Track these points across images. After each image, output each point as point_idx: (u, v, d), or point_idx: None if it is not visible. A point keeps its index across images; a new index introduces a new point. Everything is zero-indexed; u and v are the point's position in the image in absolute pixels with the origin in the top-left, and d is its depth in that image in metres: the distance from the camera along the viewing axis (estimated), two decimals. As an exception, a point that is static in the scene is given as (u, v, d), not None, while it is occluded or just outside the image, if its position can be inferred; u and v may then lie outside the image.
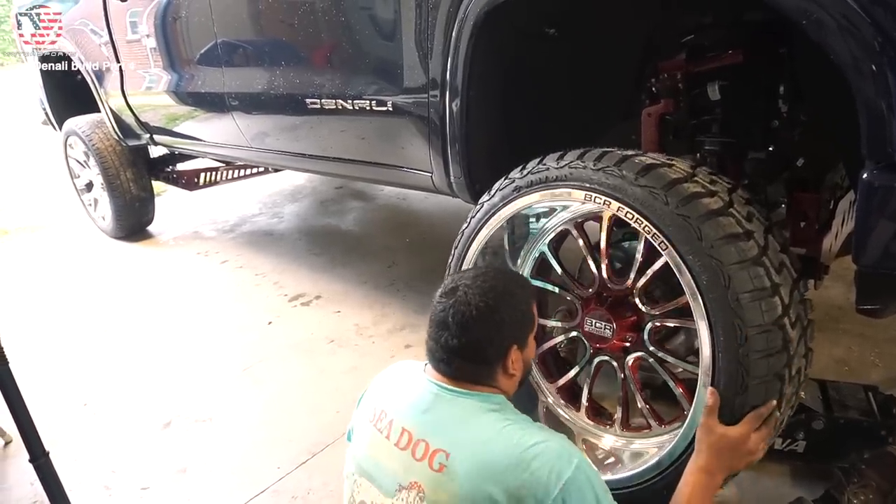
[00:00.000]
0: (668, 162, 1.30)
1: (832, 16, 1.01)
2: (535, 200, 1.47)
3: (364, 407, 1.31)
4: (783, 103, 1.47)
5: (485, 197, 1.59)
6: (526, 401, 1.57)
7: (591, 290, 1.50)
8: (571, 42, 1.64)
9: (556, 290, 1.60)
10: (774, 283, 1.17)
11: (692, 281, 1.21)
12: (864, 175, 1.04)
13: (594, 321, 1.48)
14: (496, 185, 1.56)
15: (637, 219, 1.27)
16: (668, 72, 1.56)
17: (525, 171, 1.49)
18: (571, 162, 1.39)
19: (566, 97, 1.78)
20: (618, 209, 1.30)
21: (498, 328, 1.18)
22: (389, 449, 1.17)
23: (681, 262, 1.22)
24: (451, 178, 1.82)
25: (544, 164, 1.45)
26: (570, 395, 1.67)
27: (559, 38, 1.63)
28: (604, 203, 1.33)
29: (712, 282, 1.18)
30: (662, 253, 1.26)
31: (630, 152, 1.35)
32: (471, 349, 1.17)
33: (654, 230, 1.25)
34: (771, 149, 1.54)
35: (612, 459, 1.55)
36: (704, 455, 1.22)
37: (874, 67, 0.98)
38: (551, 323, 1.62)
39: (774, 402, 1.21)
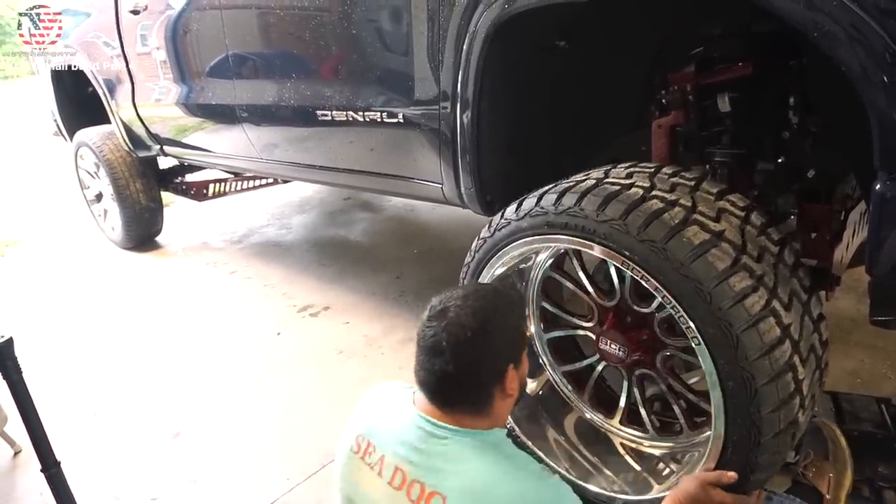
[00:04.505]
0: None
1: (843, 27, 1.01)
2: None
3: (347, 435, 1.27)
4: (793, 114, 1.47)
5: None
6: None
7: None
8: (582, 54, 1.65)
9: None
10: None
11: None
12: (877, 186, 1.03)
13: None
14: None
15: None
16: (678, 83, 1.56)
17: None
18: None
19: (576, 108, 1.79)
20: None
21: (494, 349, 1.14)
22: (384, 488, 1.14)
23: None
24: (462, 189, 1.83)
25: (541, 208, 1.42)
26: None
27: (570, 50, 1.64)
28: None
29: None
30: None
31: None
32: (466, 374, 1.12)
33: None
34: (781, 160, 1.53)
35: None
36: (685, 498, 1.23)
37: (886, 78, 0.98)
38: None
39: (765, 494, 1.28)
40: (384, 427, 1.21)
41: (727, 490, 1.23)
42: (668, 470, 1.54)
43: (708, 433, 1.41)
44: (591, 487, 1.56)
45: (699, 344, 1.18)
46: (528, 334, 1.26)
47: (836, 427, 1.57)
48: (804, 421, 1.24)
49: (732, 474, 1.22)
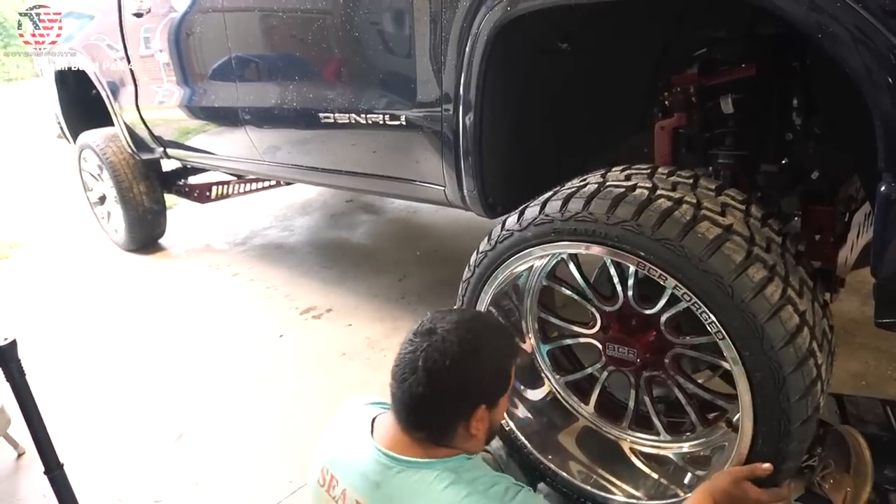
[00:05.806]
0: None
1: (847, 28, 1.00)
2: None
3: (314, 463, 1.26)
4: (797, 116, 1.47)
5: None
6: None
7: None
8: (584, 56, 1.65)
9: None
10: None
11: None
12: (882, 188, 1.03)
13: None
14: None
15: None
16: (681, 85, 1.56)
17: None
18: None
19: (579, 111, 1.78)
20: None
21: (469, 384, 1.12)
22: None
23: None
24: (464, 191, 1.83)
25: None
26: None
27: (573, 52, 1.64)
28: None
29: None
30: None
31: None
32: (433, 401, 1.10)
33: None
34: (784, 161, 1.53)
35: None
36: (720, 494, 1.20)
37: (890, 79, 0.98)
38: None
39: (791, 486, 1.25)
40: (345, 459, 1.20)
41: (759, 484, 1.21)
42: (689, 475, 1.53)
43: (723, 429, 1.40)
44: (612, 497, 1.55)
45: (723, 338, 1.18)
46: (512, 382, 1.22)
47: (862, 439, 1.51)
48: (824, 406, 1.24)
49: (767, 466, 1.19)
